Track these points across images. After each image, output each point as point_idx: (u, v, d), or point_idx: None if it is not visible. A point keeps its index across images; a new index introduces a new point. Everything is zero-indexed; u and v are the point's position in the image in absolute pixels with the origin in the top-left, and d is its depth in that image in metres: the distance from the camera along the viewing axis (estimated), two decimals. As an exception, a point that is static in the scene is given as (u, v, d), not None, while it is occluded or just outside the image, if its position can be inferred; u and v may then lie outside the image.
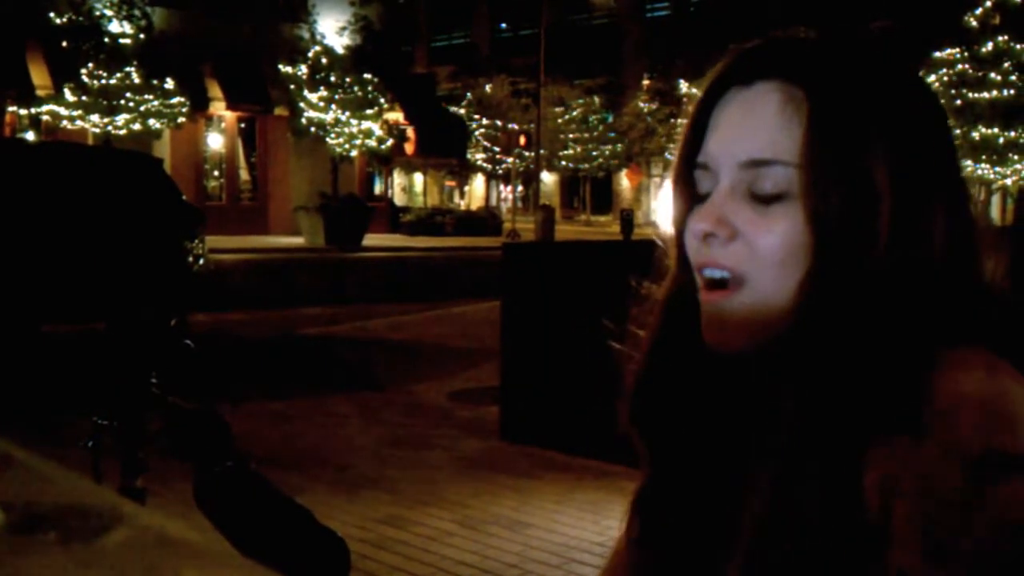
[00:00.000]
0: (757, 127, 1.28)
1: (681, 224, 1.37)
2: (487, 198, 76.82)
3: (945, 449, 1.09)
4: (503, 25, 79.70)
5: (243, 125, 42.35)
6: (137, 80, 35.05)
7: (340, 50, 40.40)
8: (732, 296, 1.28)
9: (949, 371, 1.15)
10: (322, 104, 39.64)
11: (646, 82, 63.26)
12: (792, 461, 1.20)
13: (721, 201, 1.29)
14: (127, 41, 35.42)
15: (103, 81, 34.57)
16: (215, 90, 39.67)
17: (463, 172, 69.30)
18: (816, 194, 1.23)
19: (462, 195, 75.92)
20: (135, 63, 35.17)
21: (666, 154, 55.59)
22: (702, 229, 1.29)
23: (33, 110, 34.71)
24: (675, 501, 1.41)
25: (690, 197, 1.36)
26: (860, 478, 1.14)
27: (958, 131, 42.38)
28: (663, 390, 1.42)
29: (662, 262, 1.44)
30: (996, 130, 42.24)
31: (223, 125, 41.95)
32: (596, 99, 67.20)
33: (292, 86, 39.74)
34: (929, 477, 1.09)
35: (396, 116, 43.05)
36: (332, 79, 39.71)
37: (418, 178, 68.04)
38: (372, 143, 40.78)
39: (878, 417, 1.15)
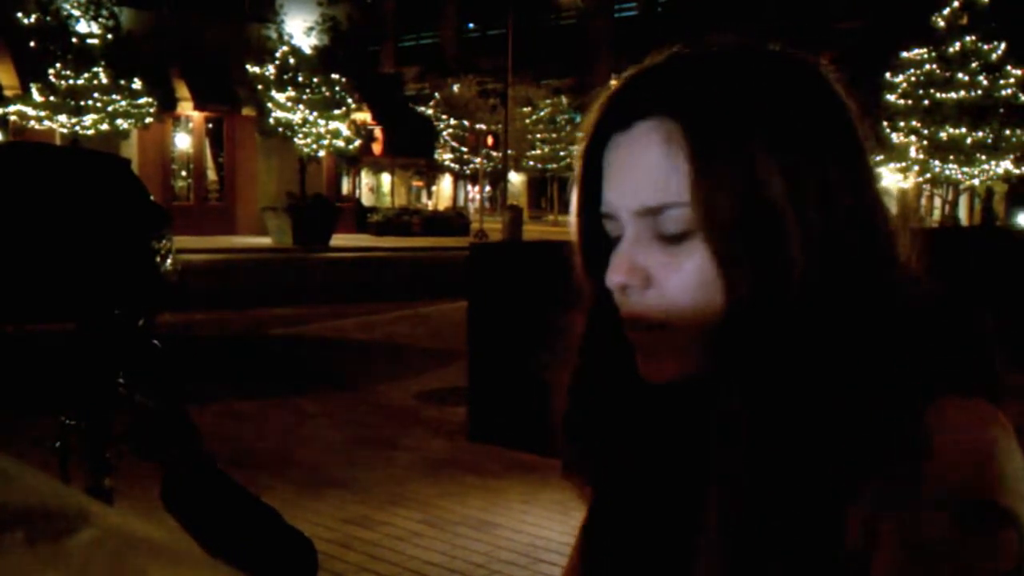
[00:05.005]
0: (643, 173, 1.23)
1: (589, 266, 1.35)
2: (454, 198, 76.77)
3: (934, 497, 1.09)
4: (470, 25, 79.86)
5: (211, 125, 42.32)
6: (105, 80, 34.93)
7: (307, 50, 40.35)
8: (657, 336, 1.25)
9: (937, 415, 1.13)
10: (290, 104, 39.60)
11: (614, 82, 63.19)
12: (757, 488, 1.18)
13: (630, 249, 1.25)
14: (95, 41, 35.28)
15: (71, 81, 34.46)
16: (183, 90, 39.64)
17: (430, 172, 69.24)
18: (713, 232, 1.19)
19: (429, 195, 75.85)
20: (103, 63, 35.05)
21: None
22: (618, 282, 1.25)
23: (0, 110, 34.56)
24: (623, 531, 1.38)
25: (600, 241, 1.32)
26: (841, 508, 1.13)
27: (926, 131, 42.70)
28: (598, 423, 1.39)
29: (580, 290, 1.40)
30: (964, 130, 42.45)
31: (191, 125, 41.89)
32: (564, 99, 67.28)
33: (260, 86, 39.70)
34: (916, 524, 1.09)
35: (363, 116, 43.03)
36: (300, 79, 39.68)
37: (385, 178, 67.95)
38: (339, 143, 40.76)
39: (869, 452, 1.13)
